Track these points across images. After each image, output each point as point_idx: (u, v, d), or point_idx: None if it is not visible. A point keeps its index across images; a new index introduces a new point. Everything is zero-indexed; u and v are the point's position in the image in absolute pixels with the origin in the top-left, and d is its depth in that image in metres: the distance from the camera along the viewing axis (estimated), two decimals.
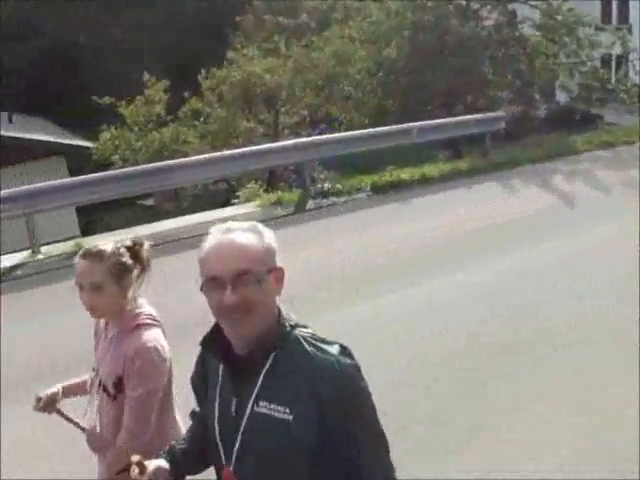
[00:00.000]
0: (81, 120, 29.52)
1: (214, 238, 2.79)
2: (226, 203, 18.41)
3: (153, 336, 3.91)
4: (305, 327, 2.86)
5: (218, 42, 35.77)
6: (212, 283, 2.72)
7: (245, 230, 2.80)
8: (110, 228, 15.46)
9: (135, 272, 4.00)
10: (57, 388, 4.37)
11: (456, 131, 19.66)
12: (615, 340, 7.98)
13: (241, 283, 2.67)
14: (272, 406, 2.72)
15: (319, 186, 16.26)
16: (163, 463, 3.10)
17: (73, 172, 21.51)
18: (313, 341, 2.79)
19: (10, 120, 29.28)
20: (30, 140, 26.49)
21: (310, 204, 15.40)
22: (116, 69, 37.15)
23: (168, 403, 4.05)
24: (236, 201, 17.14)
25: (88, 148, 26.24)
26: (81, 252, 3.90)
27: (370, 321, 9.02)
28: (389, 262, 11.17)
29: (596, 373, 7.27)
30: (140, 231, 13.98)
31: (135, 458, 3.00)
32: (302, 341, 2.77)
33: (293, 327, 2.82)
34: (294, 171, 20.49)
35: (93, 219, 23.81)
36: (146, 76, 25.02)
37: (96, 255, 3.84)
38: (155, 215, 19.35)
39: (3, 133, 25.89)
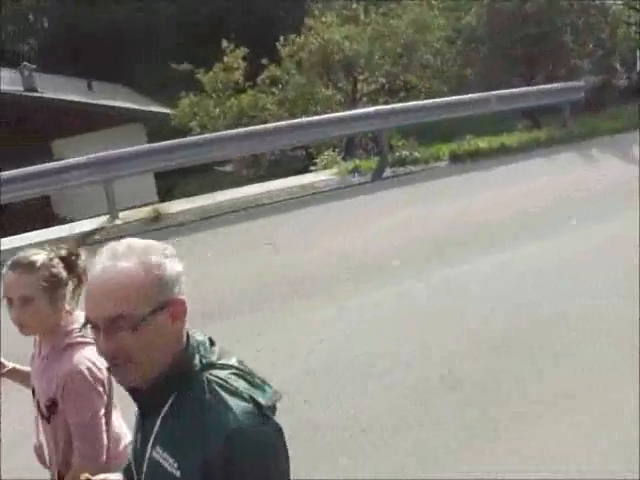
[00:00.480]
0: (160, 87, 29.89)
1: (95, 269, 2.31)
2: (304, 170, 18.52)
3: (85, 356, 3.55)
4: (226, 366, 2.39)
5: (297, 9, 35.77)
6: (90, 325, 2.32)
7: (128, 259, 2.27)
8: (188, 194, 15.65)
9: (70, 285, 3.66)
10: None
11: (535, 100, 19.48)
12: None
13: (114, 329, 2.24)
14: (164, 454, 2.33)
15: (397, 154, 16.29)
16: (114, 476, 2.81)
17: (152, 138, 21.82)
18: (219, 389, 2.30)
19: (90, 87, 29.75)
20: (109, 107, 26.89)
21: (388, 172, 15.43)
22: (195, 36, 37.37)
23: (110, 418, 3.72)
24: (314, 168, 17.25)
25: (167, 115, 26.57)
26: (9, 262, 3.57)
27: (443, 291, 9.06)
28: (465, 232, 11.17)
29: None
30: (218, 197, 14.23)
31: (84, 476, 2.75)
32: (206, 388, 2.30)
33: (204, 368, 2.35)
34: (372, 139, 20.51)
35: (171, 185, 24.11)
36: (224, 43, 25.17)
37: (26, 266, 3.53)
38: (233, 181, 19.56)
39: (83, 100, 26.33)
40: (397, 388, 6.96)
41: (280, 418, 2.30)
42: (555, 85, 20.10)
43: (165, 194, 22.68)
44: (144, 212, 13.69)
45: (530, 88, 20.02)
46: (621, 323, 7.70)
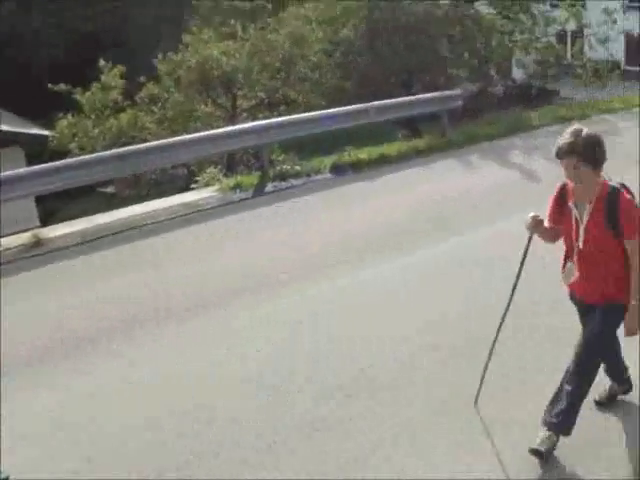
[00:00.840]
0: (38, 109, 29.30)
1: None
2: (186, 188, 18.34)
3: None
4: None
5: (174, 25, 35.62)
6: None
7: None
8: (70, 217, 15.31)
9: None
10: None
11: (414, 110, 19.68)
12: None
13: None
14: None
15: (278, 168, 16.24)
16: None
17: (31, 162, 21.33)
18: None
19: None
20: None
21: (269, 187, 15.38)
22: (71, 56, 36.87)
23: None
24: (195, 186, 17.08)
25: (46, 137, 26.04)
26: None
27: (327, 303, 9.05)
28: (348, 242, 11.20)
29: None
30: (100, 219, 13.98)
31: None
32: None
33: None
34: (253, 154, 20.45)
35: (53, 209, 23.63)
36: (101, 62, 24.81)
37: None
38: (116, 202, 19.28)
39: None
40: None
41: None
42: (433, 94, 20.34)
43: (47, 218, 22.21)
44: (24, 238, 13.32)
45: (408, 98, 20.20)
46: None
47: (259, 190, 15.26)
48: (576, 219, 5.76)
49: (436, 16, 26.93)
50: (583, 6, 37.81)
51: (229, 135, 16.67)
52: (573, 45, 32.71)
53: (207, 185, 16.51)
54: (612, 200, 5.56)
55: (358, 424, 6.50)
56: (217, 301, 9.30)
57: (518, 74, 31.41)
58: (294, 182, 15.59)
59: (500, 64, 29.23)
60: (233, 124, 21.67)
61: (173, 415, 6.84)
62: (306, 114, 18.53)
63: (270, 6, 31.53)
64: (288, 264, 10.39)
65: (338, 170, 16.20)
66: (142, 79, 26.00)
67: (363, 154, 16.99)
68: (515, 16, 28.65)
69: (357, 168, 16.25)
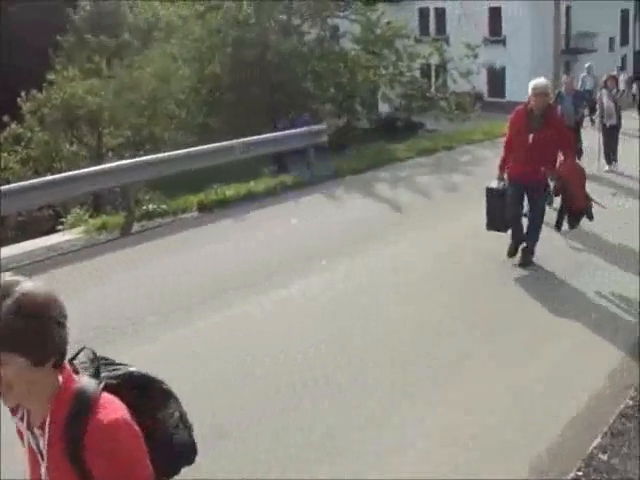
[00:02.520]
0: None
1: None
2: (51, 230, 18.00)
3: None
4: None
5: (40, 62, 35.07)
6: None
7: None
8: None
9: None
10: None
11: (280, 146, 19.82)
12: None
13: None
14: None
15: (144, 208, 16.08)
16: None
17: None
18: None
19: None
20: None
21: (136, 227, 15.20)
22: None
23: None
24: (61, 227, 16.79)
25: None
26: None
27: (200, 342, 8.99)
28: (219, 279, 11.16)
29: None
30: None
31: None
32: None
33: None
34: (120, 194, 20.24)
35: None
36: None
37: None
38: None
39: None
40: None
41: None
42: (298, 130, 20.55)
43: None
44: None
45: (274, 134, 20.34)
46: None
47: (125, 230, 15.04)
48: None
49: (301, 52, 27.28)
50: (446, 41, 39.03)
51: (94, 175, 16.38)
52: (437, 79, 33.59)
53: (73, 226, 16.23)
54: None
55: None
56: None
57: (384, 108, 32.02)
58: (161, 221, 15.45)
59: (366, 98, 29.74)
60: (99, 163, 21.46)
61: None
62: (173, 152, 18.43)
63: (136, 43, 31.34)
64: (153, 306, 10.26)
65: (205, 208, 16.16)
66: (5, 118, 25.52)
67: (230, 191, 16.98)
68: (379, 52, 29.22)
69: (224, 205, 16.24)
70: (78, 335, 8.92)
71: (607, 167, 18.48)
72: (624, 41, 59.10)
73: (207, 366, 8.28)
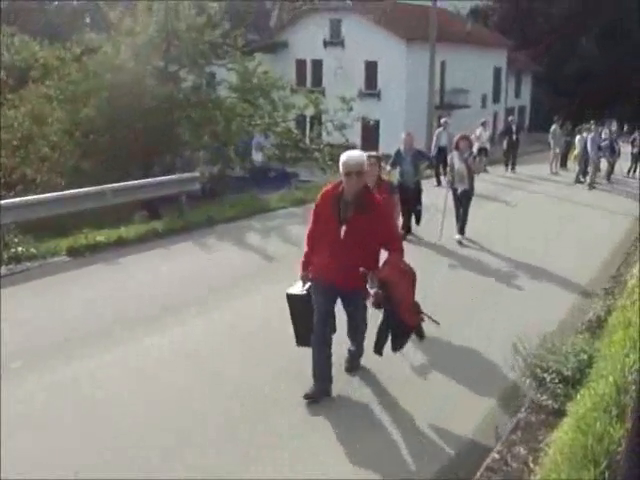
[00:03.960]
0: None
1: None
2: None
3: None
4: None
5: None
6: None
7: None
8: None
9: None
10: None
11: (152, 192, 19.95)
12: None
13: None
14: None
15: (12, 251, 15.91)
16: None
17: None
18: None
19: None
20: None
21: (3, 270, 15.02)
22: None
23: None
24: None
25: None
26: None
27: (68, 390, 8.97)
28: (87, 326, 11.14)
29: None
30: None
31: None
32: None
33: None
34: None
35: None
36: None
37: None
38: None
39: None
40: None
41: None
42: (171, 177, 20.78)
43: None
44: None
45: (146, 180, 20.44)
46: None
47: None
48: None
49: (177, 99, 27.47)
50: (322, 93, 39.75)
51: None
52: (312, 130, 34.11)
53: None
54: None
55: None
56: None
57: (258, 157, 32.36)
58: (29, 265, 15.34)
59: (239, 147, 30.03)
60: None
61: None
62: (44, 195, 18.32)
63: (11, 81, 30.99)
64: (16, 351, 10.18)
65: (75, 252, 16.12)
66: None
67: (101, 236, 16.95)
68: (255, 101, 29.62)
69: (94, 250, 16.24)
70: None
71: (457, 236, 17.32)
72: (496, 98, 61.09)
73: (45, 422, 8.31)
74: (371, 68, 51.13)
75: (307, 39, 52.23)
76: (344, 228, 7.99)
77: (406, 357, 9.47)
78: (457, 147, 17.26)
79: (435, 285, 12.89)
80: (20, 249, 16.01)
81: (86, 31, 30.08)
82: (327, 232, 8.16)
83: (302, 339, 8.69)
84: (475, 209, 18.16)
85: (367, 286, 8.10)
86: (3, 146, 25.87)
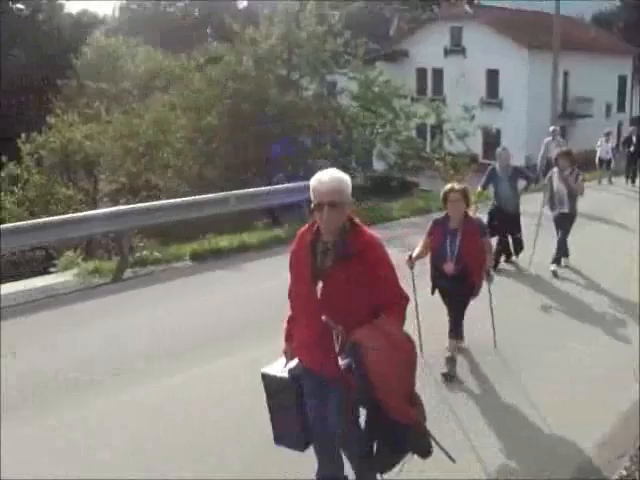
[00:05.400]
0: None
1: None
2: (44, 271, 18.06)
3: None
4: None
5: (40, 106, 35.45)
6: None
7: None
8: None
9: None
10: None
11: (274, 199, 20.00)
12: None
13: None
14: None
15: (137, 254, 16.18)
16: None
17: None
18: None
19: None
20: None
21: (128, 273, 15.29)
22: None
23: None
24: (54, 269, 16.86)
25: None
26: None
27: (191, 391, 9.01)
28: (208, 330, 11.20)
29: None
30: None
31: None
32: None
33: None
34: (114, 239, 20.33)
35: None
36: None
37: None
38: None
39: None
40: None
41: None
42: (294, 184, 20.73)
43: None
44: None
45: (268, 187, 20.53)
46: None
47: (117, 276, 15.13)
48: None
49: (299, 107, 27.53)
50: (443, 101, 39.43)
51: (89, 219, 16.50)
52: (433, 139, 33.83)
53: (65, 269, 16.30)
54: None
55: None
56: (62, 391, 9.14)
57: (379, 166, 32.19)
58: (153, 268, 15.57)
59: (361, 156, 29.94)
60: (94, 208, 21.60)
61: None
62: (168, 200, 18.59)
63: (136, 91, 31.69)
64: (140, 352, 10.29)
65: (199, 257, 16.28)
66: (4, 159, 25.72)
67: (224, 242, 17.12)
68: (377, 110, 29.50)
69: (218, 256, 16.36)
70: (60, 377, 9.00)
71: (553, 266, 14.82)
72: (621, 107, 59.60)
73: (188, 415, 8.33)
74: (493, 76, 50.45)
75: (427, 48, 51.86)
76: (321, 285, 5.42)
77: None
78: (557, 163, 15.18)
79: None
80: (145, 253, 16.27)
81: (209, 41, 30.39)
82: (301, 291, 5.69)
83: (280, 437, 6.06)
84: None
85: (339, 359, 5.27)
86: (128, 153, 26.39)
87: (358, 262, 5.36)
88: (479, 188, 15.37)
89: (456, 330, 9.65)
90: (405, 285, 5.79)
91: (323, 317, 5.21)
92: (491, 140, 45.34)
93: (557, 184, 14.64)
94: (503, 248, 15.34)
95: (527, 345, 10.48)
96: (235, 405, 8.48)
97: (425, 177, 31.65)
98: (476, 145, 38.56)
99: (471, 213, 9.90)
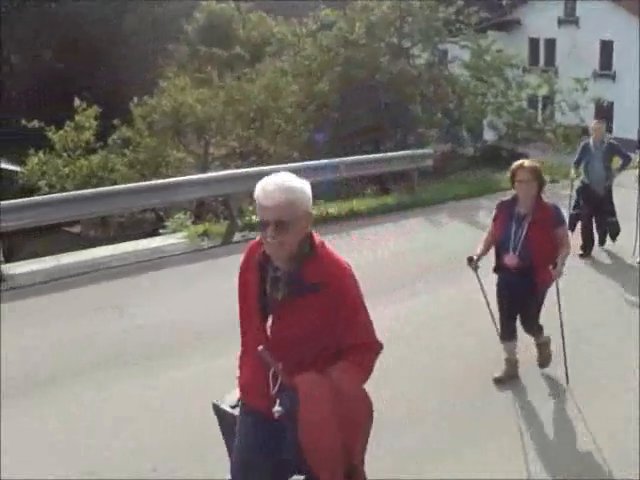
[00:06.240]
0: (9, 144, 29.22)
1: None
2: (153, 233, 18.26)
3: None
4: None
5: (151, 70, 35.81)
6: None
7: None
8: (34, 255, 15.14)
9: None
10: None
11: (384, 167, 19.83)
12: None
13: None
14: None
15: (247, 218, 16.19)
16: None
17: None
18: None
19: None
20: None
21: (237, 237, 15.32)
22: (47, 93, 36.91)
23: None
24: (163, 231, 17.02)
25: (15, 172, 25.96)
26: None
27: None
28: None
29: None
30: (65, 259, 13.84)
31: None
32: None
33: None
34: (223, 203, 20.43)
35: (16, 245, 23.42)
36: (77, 102, 24.78)
37: None
38: (82, 243, 19.16)
39: None
40: None
41: None
42: (404, 152, 20.55)
43: (10, 255, 22.03)
44: None
45: (378, 155, 20.38)
46: None
47: (227, 239, 15.21)
48: None
49: (411, 76, 27.27)
50: (555, 72, 38.63)
51: (199, 182, 16.66)
52: (544, 110, 33.17)
53: (175, 231, 16.43)
54: None
55: None
56: (174, 351, 9.20)
57: (489, 136, 31.74)
58: None
59: (472, 125, 29.56)
60: (204, 171, 21.74)
61: None
62: (278, 165, 18.53)
63: (247, 56, 31.80)
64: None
65: None
66: (116, 122, 26.05)
67: (332, 208, 17.05)
68: (488, 79, 29.03)
69: (327, 222, 16.28)
70: (175, 333, 9.03)
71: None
72: None
73: None
74: (606, 48, 49.07)
75: (541, 17, 50.71)
76: (271, 320, 4.28)
77: None
78: None
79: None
80: (255, 217, 16.27)
81: (321, 7, 30.23)
82: (248, 324, 4.55)
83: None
84: None
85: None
86: (239, 118, 26.52)
87: (317, 298, 4.17)
88: (572, 166, 13.97)
89: (508, 334, 8.28)
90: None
91: (260, 347, 4.05)
92: (603, 113, 44.34)
93: None
94: (588, 237, 13.67)
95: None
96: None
97: (536, 149, 31.08)
98: (589, 118, 37.70)
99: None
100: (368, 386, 4.25)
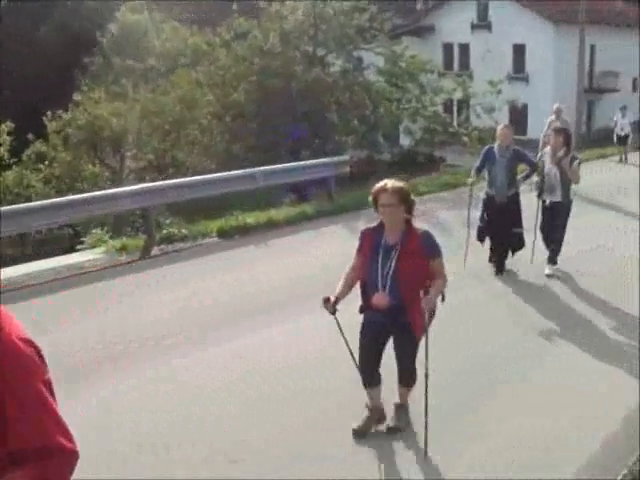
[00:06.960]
0: None
1: None
2: (71, 249, 18.06)
3: None
4: None
5: (66, 83, 35.41)
6: None
7: None
8: None
9: None
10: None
11: (301, 175, 19.85)
12: None
13: None
14: None
15: (165, 232, 16.13)
16: None
17: None
18: None
19: None
20: None
21: (155, 250, 15.24)
22: None
23: None
24: (81, 247, 16.84)
25: None
26: None
27: (218, 367, 8.98)
28: (236, 306, 11.18)
29: None
30: None
31: None
32: None
33: None
34: (141, 216, 20.31)
35: None
36: None
37: None
38: None
39: None
40: None
41: None
42: (321, 160, 20.63)
43: None
44: None
45: (296, 163, 20.42)
46: None
47: (145, 253, 15.10)
48: None
49: (326, 83, 27.43)
50: (470, 76, 39.18)
51: (116, 196, 16.46)
52: (459, 114, 33.68)
53: (93, 246, 16.26)
54: None
55: None
56: (93, 368, 9.11)
57: (405, 141, 32.07)
58: (181, 245, 15.52)
59: (388, 131, 29.85)
60: (120, 185, 21.58)
61: None
62: (194, 177, 18.55)
63: (163, 68, 31.66)
64: (169, 329, 10.27)
65: (226, 234, 16.21)
66: (30, 136, 25.76)
67: (250, 218, 17.04)
68: (403, 85, 29.37)
69: (244, 232, 16.29)
70: (92, 352, 9.00)
71: (547, 270, 12.76)
72: None
73: (216, 392, 8.30)
74: (519, 51, 49.97)
75: (454, 22, 51.38)
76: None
77: None
78: (549, 142, 12.82)
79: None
80: (172, 230, 16.24)
81: (235, 17, 30.26)
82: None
83: None
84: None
85: None
86: (155, 130, 26.41)
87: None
88: (471, 175, 12.88)
89: (408, 379, 7.20)
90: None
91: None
92: (517, 115, 45.01)
93: (547, 167, 12.35)
94: (497, 251, 12.96)
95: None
96: (254, 386, 8.45)
97: (453, 152, 31.52)
98: (503, 120, 38.26)
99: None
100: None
